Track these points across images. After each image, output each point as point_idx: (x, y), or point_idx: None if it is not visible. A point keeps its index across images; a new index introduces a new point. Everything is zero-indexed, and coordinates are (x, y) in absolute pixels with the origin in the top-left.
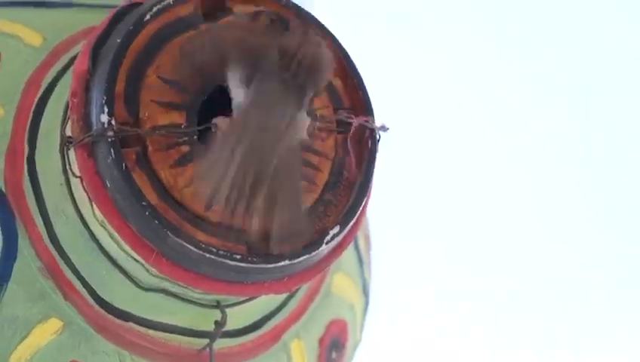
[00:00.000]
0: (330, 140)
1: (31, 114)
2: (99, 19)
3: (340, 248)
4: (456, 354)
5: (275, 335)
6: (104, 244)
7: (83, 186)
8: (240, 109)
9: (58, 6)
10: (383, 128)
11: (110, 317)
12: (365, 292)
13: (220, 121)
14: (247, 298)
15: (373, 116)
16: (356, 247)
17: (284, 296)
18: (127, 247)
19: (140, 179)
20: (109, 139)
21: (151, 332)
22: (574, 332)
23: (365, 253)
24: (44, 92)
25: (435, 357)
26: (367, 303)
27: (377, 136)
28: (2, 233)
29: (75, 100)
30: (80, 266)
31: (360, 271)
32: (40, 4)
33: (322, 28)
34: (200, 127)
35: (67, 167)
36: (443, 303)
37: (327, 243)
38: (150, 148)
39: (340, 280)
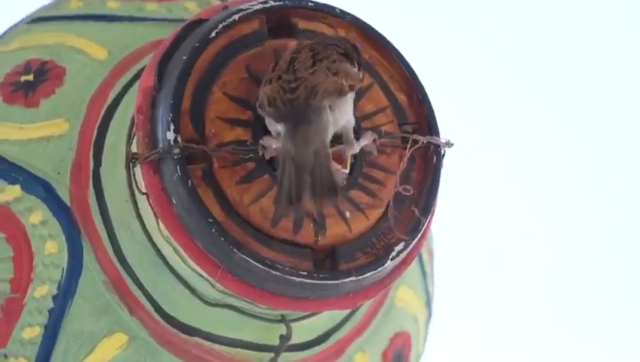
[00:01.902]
0: (394, 156)
1: (96, 129)
2: (164, 34)
3: (404, 264)
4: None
5: (340, 349)
6: (169, 260)
7: (149, 202)
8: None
9: (123, 20)
10: (448, 144)
11: (175, 331)
12: (428, 304)
13: (265, 141)
14: (312, 312)
15: (438, 131)
16: (420, 260)
17: (348, 309)
18: (192, 263)
19: (206, 196)
20: (175, 156)
21: (216, 346)
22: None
23: (429, 266)
24: (109, 106)
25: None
26: (430, 315)
27: (442, 152)
28: (68, 247)
29: (140, 117)
30: (145, 281)
31: (423, 284)
32: (105, 17)
33: (384, 43)
34: (252, 147)
35: (133, 182)
36: (506, 315)
37: (392, 260)
38: (216, 165)
39: (403, 293)
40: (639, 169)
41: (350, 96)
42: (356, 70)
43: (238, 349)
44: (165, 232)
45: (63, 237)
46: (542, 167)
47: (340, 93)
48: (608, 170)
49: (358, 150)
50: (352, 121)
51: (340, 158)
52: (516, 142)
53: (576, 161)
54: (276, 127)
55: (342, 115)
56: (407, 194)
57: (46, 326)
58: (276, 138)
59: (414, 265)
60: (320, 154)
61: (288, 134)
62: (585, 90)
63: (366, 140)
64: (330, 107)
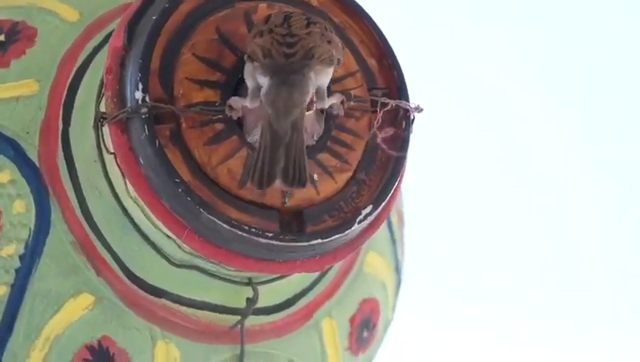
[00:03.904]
0: (364, 120)
1: (66, 90)
2: None
3: (372, 227)
4: (491, 328)
5: (307, 314)
6: (137, 220)
7: (116, 162)
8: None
9: None
10: (418, 109)
11: (142, 293)
12: (398, 271)
13: (233, 102)
14: (279, 276)
15: (408, 96)
16: (389, 226)
17: (316, 274)
18: (159, 224)
19: (174, 156)
20: (143, 116)
21: (183, 308)
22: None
23: (398, 232)
24: (79, 68)
25: (471, 335)
26: (399, 282)
27: (412, 117)
28: (35, 207)
29: (109, 77)
30: (112, 242)
31: (392, 250)
32: None
33: (356, 7)
34: (219, 108)
35: (101, 143)
36: (478, 283)
37: (359, 223)
38: (184, 126)
39: (372, 259)
40: (610, 136)
41: (332, 70)
42: (341, 46)
43: (205, 311)
44: (133, 193)
45: (31, 197)
46: (516, 132)
47: (330, 63)
48: (585, 135)
49: (327, 106)
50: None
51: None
52: (490, 107)
53: (552, 127)
54: (258, 81)
55: (321, 85)
56: (382, 146)
57: (12, 286)
58: (248, 97)
59: (383, 231)
60: (297, 127)
61: (271, 93)
62: (558, 51)
63: (335, 99)
64: (314, 76)
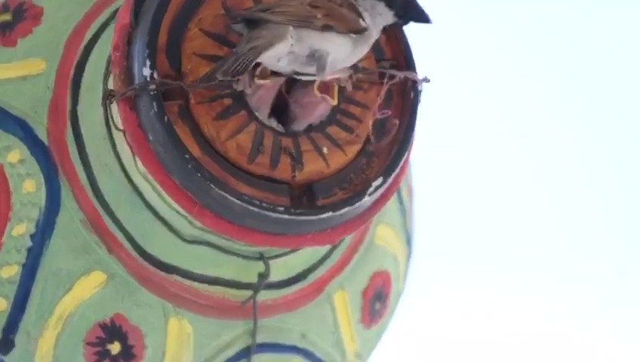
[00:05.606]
0: (372, 92)
1: (73, 68)
2: None
3: (382, 199)
4: (500, 300)
5: (319, 287)
6: (147, 197)
7: (126, 139)
8: None
9: None
10: (426, 80)
11: (154, 269)
12: (408, 242)
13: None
14: (290, 250)
15: (415, 68)
16: (399, 198)
17: (327, 247)
18: (170, 200)
19: (183, 132)
20: (151, 93)
21: (195, 284)
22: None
23: (408, 204)
24: (86, 45)
25: (480, 306)
26: (410, 253)
27: (420, 88)
28: (45, 186)
29: (117, 54)
30: (123, 219)
31: (403, 222)
32: None
33: None
34: (227, 82)
35: (110, 120)
36: (487, 252)
37: (370, 195)
38: (193, 101)
39: (383, 232)
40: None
41: (340, 40)
42: (356, 18)
43: (217, 287)
44: (142, 169)
45: (41, 176)
46: (525, 101)
47: (306, 22)
48: (594, 105)
49: (326, 79)
50: (338, 56)
51: (326, 87)
52: (497, 77)
53: (559, 95)
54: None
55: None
56: (385, 116)
57: (24, 265)
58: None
59: (394, 203)
60: (256, 49)
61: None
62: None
63: (339, 73)
64: (294, 31)
